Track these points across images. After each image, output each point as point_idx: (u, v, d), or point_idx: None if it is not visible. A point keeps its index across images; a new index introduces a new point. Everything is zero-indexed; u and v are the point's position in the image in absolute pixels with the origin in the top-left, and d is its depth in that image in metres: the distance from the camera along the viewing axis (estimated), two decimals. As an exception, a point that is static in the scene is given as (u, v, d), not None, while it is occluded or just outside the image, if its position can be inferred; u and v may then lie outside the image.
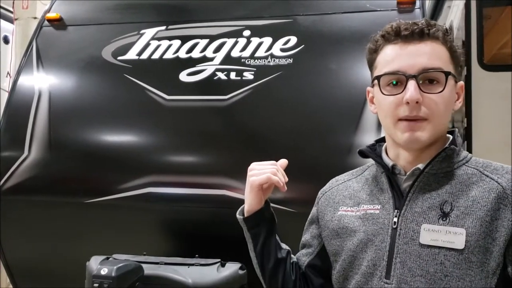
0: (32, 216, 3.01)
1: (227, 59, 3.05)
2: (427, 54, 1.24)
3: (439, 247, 1.18)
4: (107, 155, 3.00)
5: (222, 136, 2.93)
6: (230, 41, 3.10)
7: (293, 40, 3.02)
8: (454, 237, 1.16)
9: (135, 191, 2.85)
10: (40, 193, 3.03)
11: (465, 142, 3.73)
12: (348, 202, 1.40)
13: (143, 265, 2.37)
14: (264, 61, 3.00)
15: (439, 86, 1.23)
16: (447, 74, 1.23)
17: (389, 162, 1.33)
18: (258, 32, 3.09)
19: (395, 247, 1.23)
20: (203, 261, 2.49)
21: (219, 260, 2.51)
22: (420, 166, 1.27)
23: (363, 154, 1.40)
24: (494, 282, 1.16)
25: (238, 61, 3.03)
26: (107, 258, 2.47)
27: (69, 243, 2.98)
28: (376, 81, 1.30)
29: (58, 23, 3.47)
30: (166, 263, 2.46)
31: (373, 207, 1.31)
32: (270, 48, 3.03)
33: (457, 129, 1.35)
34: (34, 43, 3.43)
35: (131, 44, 3.25)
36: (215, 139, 2.92)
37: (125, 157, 2.97)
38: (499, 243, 1.15)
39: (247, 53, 3.04)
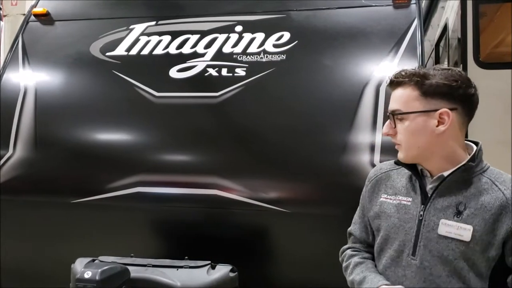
0: (17, 217, 2.93)
1: (219, 55, 2.99)
2: (395, 99, 1.66)
3: (452, 238, 1.56)
4: (95, 153, 2.92)
5: (213, 134, 2.86)
6: (221, 37, 3.04)
7: (287, 35, 2.97)
8: (463, 231, 1.54)
9: (124, 191, 2.78)
10: (25, 193, 2.95)
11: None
12: (388, 191, 1.75)
13: (130, 268, 2.29)
14: (257, 57, 2.94)
15: (405, 121, 1.62)
16: (395, 114, 1.64)
17: (419, 167, 1.70)
18: (250, 27, 3.03)
19: (420, 234, 1.61)
20: (192, 263, 2.43)
21: (209, 262, 2.45)
22: (445, 173, 1.60)
23: (397, 163, 1.76)
24: (492, 265, 1.57)
25: (229, 57, 2.97)
26: (93, 260, 2.39)
27: (55, 244, 2.90)
28: None
29: (45, 18, 3.39)
30: (154, 266, 2.39)
31: (406, 199, 1.68)
32: (262, 44, 2.97)
33: (480, 143, 1.65)
34: (20, 39, 3.35)
35: (120, 40, 3.18)
36: (206, 137, 2.85)
37: (113, 156, 2.90)
38: (498, 238, 1.53)
39: (239, 49, 2.98)
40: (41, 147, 2.99)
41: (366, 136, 2.63)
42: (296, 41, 2.94)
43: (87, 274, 2.06)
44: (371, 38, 2.86)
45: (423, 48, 2.77)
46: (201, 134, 2.86)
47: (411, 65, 2.72)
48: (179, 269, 2.36)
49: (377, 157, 2.55)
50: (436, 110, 1.57)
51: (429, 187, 1.64)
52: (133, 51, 3.12)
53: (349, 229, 1.93)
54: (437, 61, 4.85)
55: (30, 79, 3.19)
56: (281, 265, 2.71)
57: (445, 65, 4.58)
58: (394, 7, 2.91)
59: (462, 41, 3.72)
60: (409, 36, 2.80)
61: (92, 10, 3.37)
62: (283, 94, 2.86)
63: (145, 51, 3.10)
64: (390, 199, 1.72)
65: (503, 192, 1.55)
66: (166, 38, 3.11)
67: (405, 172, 1.74)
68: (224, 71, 2.94)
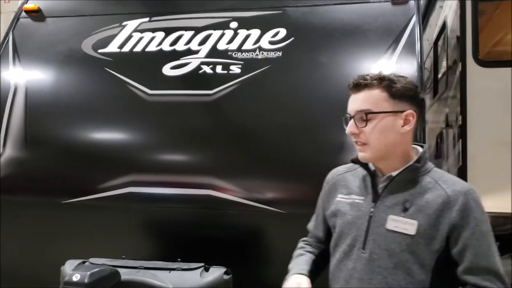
0: (6, 217, 2.84)
1: (213, 52, 2.93)
2: (360, 100, 1.74)
3: (399, 232, 1.69)
4: (86, 153, 2.86)
5: (207, 133, 2.80)
6: (216, 33, 2.98)
7: (283, 32, 2.92)
8: (409, 226, 1.67)
9: (116, 191, 2.73)
10: (15, 193, 2.88)
11: (460, 140, 3.63)
12: (343, 191, 1.88)
13: (121, 270, 2.23)
14: (252, 54, 2.88)
15: (372, 121, 1.71)
16: (367, 113, 1.71)
17: (371, 167, 1.81)
18: (245, 24, 2.98)
19: (370, 229, 1.73)
20: (185, 265, 2.37)
21: (202, 264, 2.39)
22: (393, 173, 1.74)
23: (354, 161, 1.87)
24: (436, 257, 1.67)
25: (224, 54, 2.91)
26: (83, 263, 2.32)
27: (45, 246, 2.84)
28: None
29: (36, 15, 3.33)
30: (145, 268, 2.33)
31: (359, 198, 1.81)
32: (258, 40, 2.91)
33: (426, 146, 1.85)
34: (10, 35, 3.28)
35: (113, 37, 3.12)
36: (200, 136, 2.79)
37: (105, 155, 2.84)
38: (441, 232, 1.65)
39: (234, 45, 2.93)
40: (32, 146, 2.93)
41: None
42: (293, 38, 2.88)
43: (76, 277, 1.99)
44: (369, 35, 2.80)
45: (422, 46, 2.72)
46: (195, 132, 2.80)
47: (410, 63, 2.68)
48: (172, 272, 2.30)
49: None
50: (403, 111, 1.72)
51: (379, 186, 1.77)
52: (126, 48, 3.06)
53: (308, 225, 2.08)
54: (436, 60, 4.80)
55: (21, 76, 3.13)
56: (277, 267, 2.64)
57: (444, 65, 4.54)
58: (392, 4, 2.86)
59: (461, 39, 3.67)
60: (408, 33, 2.75)
61: (84, 7, 3.31)
62: (279, 92, 2.81)
63: (138, 48, 3.05)
64: (345, 198, 1.85)
65: (445, 190, 1.69)
66: (160, 35, 3.05)
67: (359, 173, 1.86)
68: (218, 68, 2.88)
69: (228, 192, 2.63)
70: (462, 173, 3.53)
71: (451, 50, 4.15)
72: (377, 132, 1.72)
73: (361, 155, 1.77)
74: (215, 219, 2.67)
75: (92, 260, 2.40)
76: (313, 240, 2.03)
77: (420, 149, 1.80)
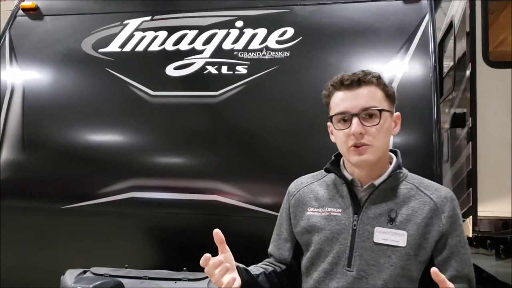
0: (3, 223, 2.77)
1: (218, 52, 2.85)
2: (364, 96, 1.60)
3: (388, 245, 1.57)
4: (87, 156, 2.79)
5: (212, 136, 2.73)
6: (221, 33, 2.90)
7: (290, 31, 2.83)
8: (399, 237, 1.57)
9: (117, 196, 2.66)
10: (12, 198, 2.81)
11: (470, 143, 3.54)
12: (314, 204, 1.72)
13: (124, 281, 2.16)
14: (259, 54, 2.81)
15: (376, 119, 1.59)
16: (380, 110, 1.60)
17: (349, 177, 1.67)
18: (251, 23, 2.90)
19: (355, 244, 1.60)
20: (191, 275, 2.30)
21: (209, 274, 2.28)
22: (375, 182, 1.63)
23: (328, 170, 1.76)
24: (423, 268, 1.59)
25: (230, 54, 2.83)
26: (84, 272, 2.25)
27: (43, 253, 2.76)
28: (330, 119, 1.68)
29: (34, 13, 3.25)
30: (150, 278, 2.27)
31: (336, 210, 1.66)
32: (265, 40, 2.83)
33: (398, 151, 1.73)
34: (7, 34, 3.20)
35: (113, 36, 3.04)
36: (205, 139, 2.72)
37: (106, 159, 2.77)
38: (430, 241, 1.57)
39: (240, 45, 2.85)
40: (29, 149, 2.86)
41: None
42: (301, 37, 2.80)
43: (78, 290, 1.90)
44: (380, 34, 2.72)
45: (435, 45, 2.64)
46: (200, 135, 2.73)
47: (424, 63, 2.61)
48: (177, 282, 2.24)
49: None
50: (394, 113, 1.68)
51: (360, 196, 1.65)
52: (127, 48, 2.98)
53: (268, 249, 1.88)
54: (441, 60, 4.73)
55: (18, 77, 3.05)
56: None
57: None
58: (404, 2, 2.78)
59: (471, 39, 3.59)
60: (421, 32, 2.67)
61: (83, 5, 3.23)
62: (287, 93, 2.73)
63: (140, 48, 2.97)
64: (318, 211, 1.70)
65: (430, 197, 1.62)
66: (162, 34, 2.97)
67: (328, 183, 1.74)
68: (224, 69, 2.80)
69: (235, 197, 2.56)
70: (472, 177, 3.45)
71: (459, 49, 4.08)
72: (383, 132, 1.61)
73: (362, 158, 1.59)
74: (222, 226, 2.57)
75: (93, 269, 2.35)
76: (273, 260, 1.83)
77: (393, 155, 1.71)
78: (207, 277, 2.24)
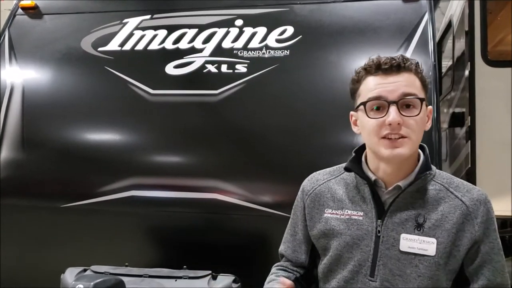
0: (2, 221, 2.76)
1: (218, 51, 2.84)
2: (404, 83, 1.45)
3: (415, 254, 1.44)
4: (86, 155, 2.77)
5: (212, 135, 2.72)
6: (221, 31, 2.89)
7: (290, 30, 2.83)
8: (427, 245, 1.43)
9: (117, 195, 2.65)
10: (12, 197, 2.79)
11: (469, 142, 3.55)
12: (332, 205, 1.58)
13: (125, 279, 2.14)
14: (258, 52, 2.80)
15: (415, 110, 1.45)
16: (421, 100, 1.46)
17: (372, 177, 1.53)
18: (251, 21, 2.89)
19: (379, 252, 1.47)
20: (192, 273, 2.29)
21: (210, 272, 2.31)
22: (401, 183, 1.48)
23: (349, 170, 1.60)
24: (453, 278, 1.47)
25: (229, 52, 2.82)
26: (84, 271, 2.25)
27: (43, 252, 2.75)
28: (362, 107, 1.50)
29: (33, 12, 3.23)
30: (150, 276, 2.25)
31: (357, 213, 1.53)
32: (264, 38, 2.82)
33: (426, 146, 1.57)
34: (6, 33, 3.18)
35: (113, 34, 3.03)
36: (204, 138, 2.71)
37: (106, 157, 2.75)
38: (461, 249, 1.44)
39: (239, 44, 2.84)
40: (29, 148, 2.85)
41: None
42: (300, 36, 2.80)
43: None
44: (380, 33, 2.72)
45: (435, 44, 2.64)
46: (200, 134, 2.72)
47: (424, 62, 2.59)
48: (178, 280, 2.22)
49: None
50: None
51: (385, 198, 1.51)
52: (127, 46, 2.97)
53: (279, 249, 1.77)
54: (440, 59, 4.74)
55: (17, 75, 3.04)
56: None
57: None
58: (403, 1, 2.77)
59: (470, 38, 3.60)
60: (420, 31, 2.67)
61: (83, 3, 3.21)
62: (287, 92, 2.72)
63: (140, 46, 2.95)
64: (337, 214, 1.56)
65: (461, 200, 1.48)
66: (162, 33, 2.96)
67: (347, 181, 1.60)
68: (224, 68, 2.79)
69: (235, 195, 2.55)
70: (470, 176, 3.46)
71: (457, 49, 4.09)
72: (421, 124, 1.46)
73: (396, 151, 1.43)
74: (222, 224, 2.59)
75: (93, 267, 2.33)
76: (290, 264, 1.72)
77: (421, 151, 1.56)
78: (207, 275, 2.25)
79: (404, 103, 1.44)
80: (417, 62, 1.51)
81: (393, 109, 1.42)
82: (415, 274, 1.44)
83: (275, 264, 1.77)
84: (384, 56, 1.49)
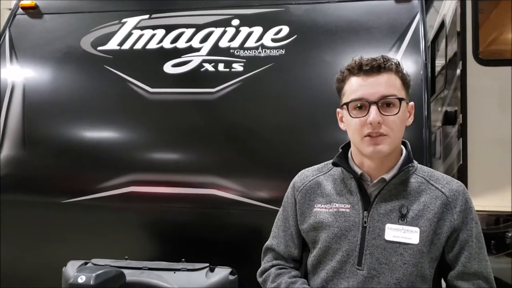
0: (4, 217, 2.80)
1: (215, 50, 2.89)
2: (384, 84, 1.53)
3: (400, 242, 1.52)
4: (86, 151, 2.82)
5: (209, 132, 2.77)
6: (218, 31, 2.94)
7: (285, 30, 2.88)
8: (411, 234, 1.51)
9: (116, 190, 2.70)
10: (13, 193, 2.83)
11: (460, 139, 3.62)
12: (321, 200, 1.65)
13: (125, 271, 2.19)
14: (255, 52, 2.85)
15: (395, 108, 1.53)
16: (400, 99, 1.54)
17: (358, 171, 1.61)
18: (247, 21, 2.94)
19: (365, 242, 1.54)
20: (190, 265, 2.34)
21: (207, 264, 2.36)
22: (385, 176, 1.57)
23: (336, 164, 1.68)
24: (435, 265, 1.56)
25: (226, 51, 2.87)
26: (86, 264, 2.29)
27: (45, 246, 2.79)
28: (345, 106, 1.59)
29: (33, 11, 3.27)
30: (150, 269, 2.30)
31: (344, 206, 1.60)
32: (260, 38, 2.87)
33: (408, 142, 1.67)
34: (7, 32, 3.22)
35: (112, 34, 3.07)
36: (202, 135, 2.76)
37: (106, 154, 2.80)
38: (441, 237, 1.52)
39: (236, 43, 2.89)
40: (30, 145, 2.89)
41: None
42: (295, 36, 2.85)
43: (81, 279, 1.95)
44: (373, 32, 2.78)
45: (426, 44, 2.70)
46: (197, 131, 2.77)
47: (415, 61, 2.66)
48: (176, 272, 2.27)
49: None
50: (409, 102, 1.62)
51: (370, 191, 1.60)
52: (126, 45, 3.01)
53: (267, 243, 1.80)
54: (433, 59, 4.80)
55: (18, 74, 3.08)
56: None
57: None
58: (396, 1, 2.83)
59: (462, 38, 3.66)
60: (412, 31, 2.73)
61: (82, 3, 3.25)
62: (282, 90, 2.77)
63: (138, 46, 3.00)
64: (325, 208, 1.63)
65: (441, 191, 1.56)
66: (160, 32, 3.01)
67: (334, 177, 1.67)
68: (220, 66, 2.84)
69: (232, 191, 2.60)
70: (462, 172, 3.52)
71: (450, 48, 4.15)
72: (400, 122, 1.55)
73: (378, 148, 1.52)
74: (219, 219, 2.64)
75: (94, 261, 2.37)
76: (285, 262, 1.75)
77: (403, 146, 1.66)
78: (205, 268, 2.31)
79: (384, 103, 1.53)
80: (398, 62, 1.59)
81: (373, 109, 1.51)
82: (401, 262, 1.51)
83: (268, 265, 1.78)
84: (366, 58, 1.59)
